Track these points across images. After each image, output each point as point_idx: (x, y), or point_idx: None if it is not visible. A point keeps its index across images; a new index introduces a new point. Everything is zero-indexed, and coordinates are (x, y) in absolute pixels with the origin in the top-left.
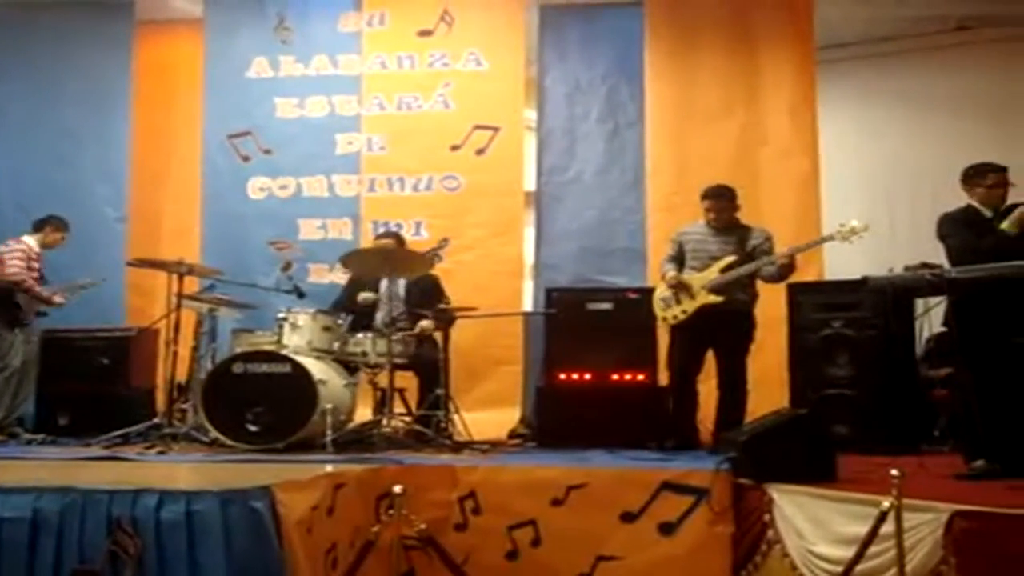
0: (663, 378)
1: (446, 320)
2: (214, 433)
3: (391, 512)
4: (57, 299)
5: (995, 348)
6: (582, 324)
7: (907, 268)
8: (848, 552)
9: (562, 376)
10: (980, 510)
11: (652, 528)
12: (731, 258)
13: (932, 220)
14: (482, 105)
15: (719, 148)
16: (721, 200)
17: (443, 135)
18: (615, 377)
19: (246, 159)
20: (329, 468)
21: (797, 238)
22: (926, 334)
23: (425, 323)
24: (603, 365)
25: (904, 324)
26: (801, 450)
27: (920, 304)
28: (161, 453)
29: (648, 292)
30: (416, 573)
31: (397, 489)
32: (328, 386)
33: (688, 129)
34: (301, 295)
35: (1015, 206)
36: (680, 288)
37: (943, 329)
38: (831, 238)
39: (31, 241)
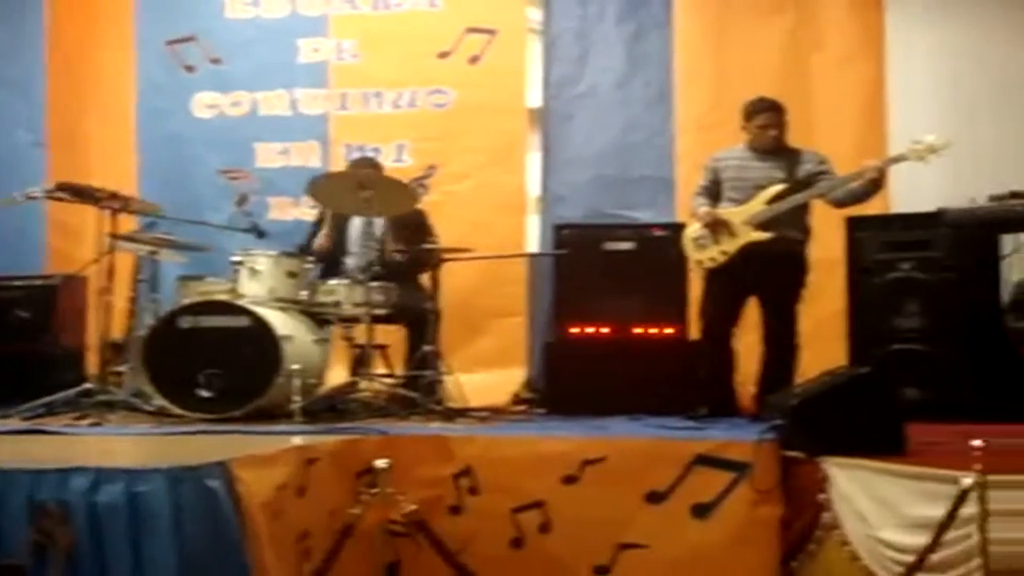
0: (695, 331)
1: (432, 262)
2: (158, 400)
3: (374, 491)
4: None
5: None
6: (598, 267)
7: (992, 198)
8: (921, 539)
9: (574, 329)
10: None
11: (684, 510)
12: (780, 186)
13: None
14: (477, 3)
15: (765, 54)
16: (780, 114)
17: (429, 40)
18: (638, 330)
19: (190, 70)
20: (298, 440)
21: (857, 162)
22: (1014, 278)
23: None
24: (624, 316)
25: (987, 266)
26: (863, 417)
27: (1008, 242)
28: (95, 424)
29: (677, 228)
30: (403, 565)
31: (380, 463)
32: (294, 343)
33: (727, 30)
34: (260, 234)
35: None
36: (717, 225)
37: None
38: (902, 158)
39: None
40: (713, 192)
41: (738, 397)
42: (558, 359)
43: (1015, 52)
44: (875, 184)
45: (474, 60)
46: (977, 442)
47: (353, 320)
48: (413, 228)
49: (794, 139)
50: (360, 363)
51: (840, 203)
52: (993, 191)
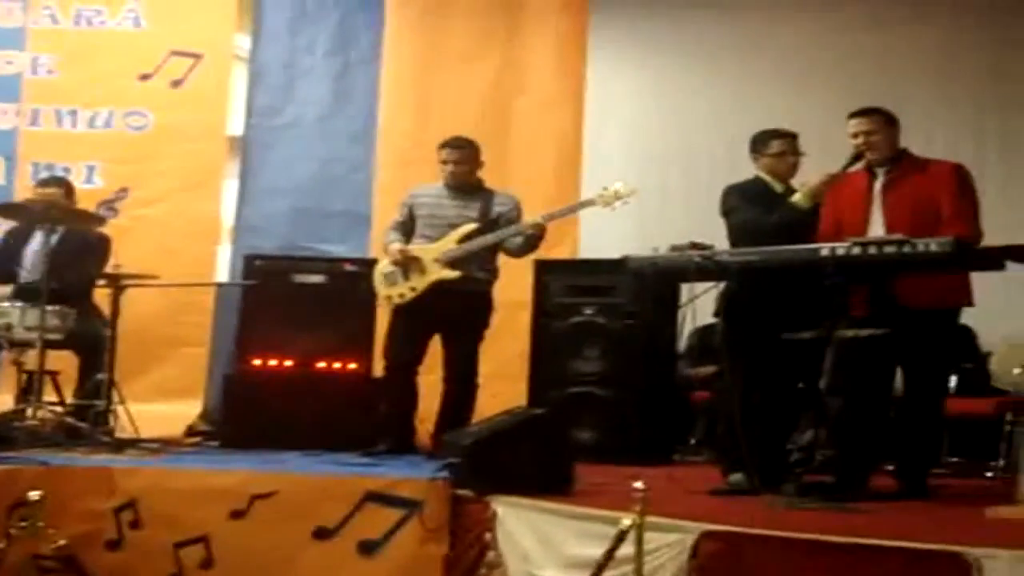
0: (380, 368)
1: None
2: None
3: (23, 524)
4: None
5: (766, 346)
6: (286, 300)
7: (673, 248)
8: None
9: (256, 362)
10: (732, 530)
11: (351, 547)
12: (471, 226)
13: (711, 193)
14: (183, 26)
15: (469, 95)
16: (464, 151)
17: (131, 60)
18: (322, 365)
19: None
20: None
21: (553, 207)
22: (690, 327)
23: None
24: (309, 350)
25: (665, 314)
26: (535, 457)
27: (685, 291)
28: None
29: (369, 264)
30: None
31: (33, 495)
32: None
33: (435, 70)
34: None
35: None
36: (408, 261)
37: (708, 321)
38: (591, 203)
39: None
40: (407, 228)
41: (418, 435)
42: (236, 391)
43: (705, 108)
44: (537, 238)
45: (176, 84)
46: (638, 484)
47: (24, 344)
48: (82, 251)
49: (492, 181)
50: (28, 390)
51: (510, 253)
52: (678, 241)
